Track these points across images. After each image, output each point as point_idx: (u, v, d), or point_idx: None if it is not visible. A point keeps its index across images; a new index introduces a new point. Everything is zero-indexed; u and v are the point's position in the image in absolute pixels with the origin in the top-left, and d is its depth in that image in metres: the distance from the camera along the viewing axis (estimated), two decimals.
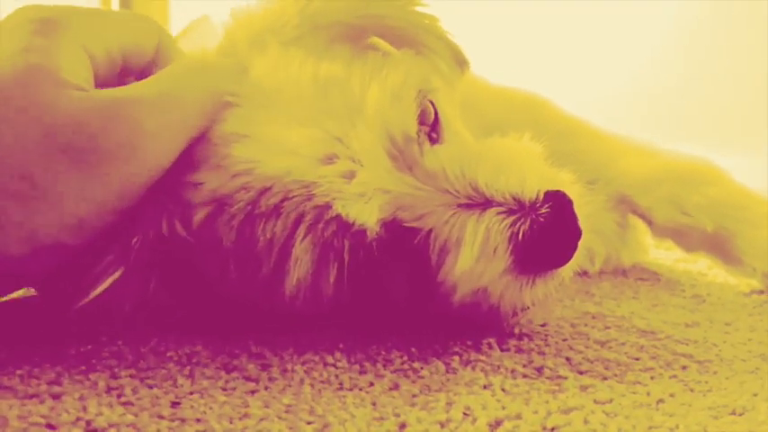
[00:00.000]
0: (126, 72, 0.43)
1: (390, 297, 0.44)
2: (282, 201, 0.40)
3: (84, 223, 0.38)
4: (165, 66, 0.44)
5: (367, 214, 0.40)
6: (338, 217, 0.40)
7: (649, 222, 0.69)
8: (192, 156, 0.41)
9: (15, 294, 0.46)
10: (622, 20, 1.54)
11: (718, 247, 0.66)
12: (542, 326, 0.50)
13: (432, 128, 0.46)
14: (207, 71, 0.43)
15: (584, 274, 0.67)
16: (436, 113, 0.46)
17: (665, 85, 1.49)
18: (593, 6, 1.56)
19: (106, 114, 0.37)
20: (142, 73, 0.44)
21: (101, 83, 0.41)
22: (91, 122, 0.37)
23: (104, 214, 0.38)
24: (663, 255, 0.77)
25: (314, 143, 0.41)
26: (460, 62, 0.53)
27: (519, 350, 0.45)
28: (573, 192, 0.44)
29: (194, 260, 0.42)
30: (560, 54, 1.56)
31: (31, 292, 0.46)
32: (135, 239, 0.41)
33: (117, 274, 0.41)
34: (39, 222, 0.36)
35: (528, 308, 0.45)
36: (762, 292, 0.64)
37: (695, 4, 1.49)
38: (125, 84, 0.42)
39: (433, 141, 0.46)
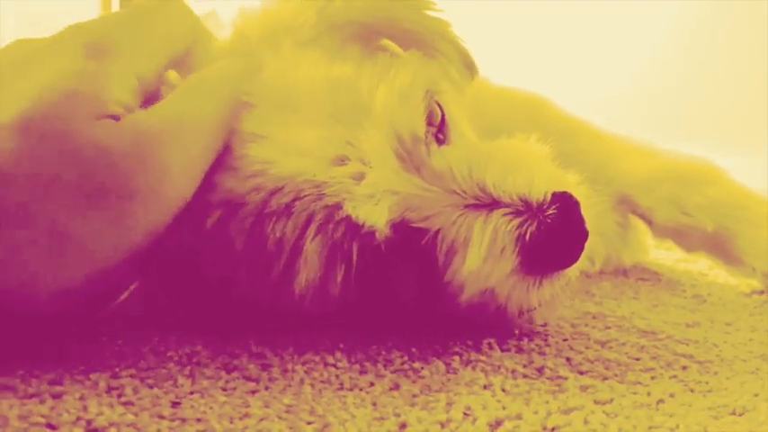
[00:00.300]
0: None
1: (398, 297, 0.44)
2: (293, 200, 0.40)
3: (110, 269, 0.37)
4: (198, 56, 0.44)
5: (376, 216, 0.41)
6: (348, 218, 0.40)
7: (650, 222, 0.69)
8: None
9: None
10: (622, 20, 1.54)
11: (719, 247, 0.66)
12: (543, 326, 0.50)
13: (439, 129, 0.46)
14: (222, 81, 0.42)
15: (585, 274, 0.67)
16: (443, 115, 0.46)
17: (664, 85, 1.49)
18: (593, 6, 1.56)
19: (131, 152, 0.37)
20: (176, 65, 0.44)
21: (148, 98, 0.40)
22: (118, 163, 0.36)
23: (130, 256, 0.38)
24: (663, 255, 0.77)
25: (325, 144, 0.41)
26: (470, 68, 0.53)
27: (519, 350, 0.45)
28: (579, 193, 0.44)
29: (203, 261, 0.42)
30: (560, 54, 1.56)
31: None
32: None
33: (132, 287, 0.40)
34: (66, 275, 0.36)
35: (534, 308, 0.45)
36: (762, 292, 0.64)
37: (695, 4, 1.49)
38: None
39: (440, 142, 0.46)
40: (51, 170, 0.35)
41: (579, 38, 1.56)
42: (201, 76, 0.42)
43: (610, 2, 1.55)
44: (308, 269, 0.41)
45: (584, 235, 0.43)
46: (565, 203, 0.42)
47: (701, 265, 0.73)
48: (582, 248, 0.43)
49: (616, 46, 1.54)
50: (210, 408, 0.35)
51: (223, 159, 0.41)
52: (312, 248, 0.40)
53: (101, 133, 0.36)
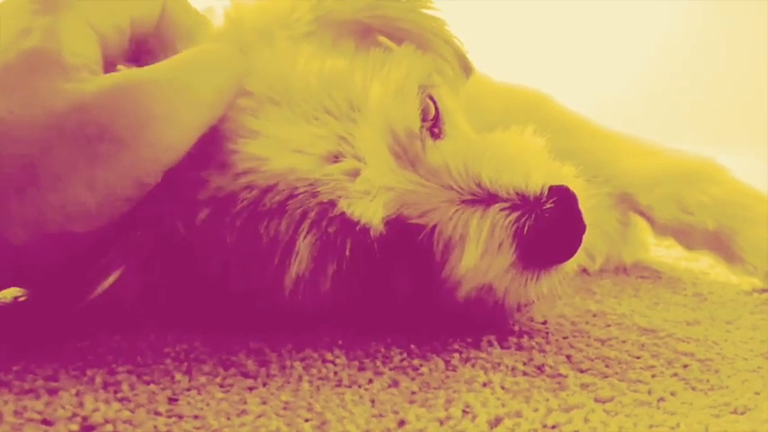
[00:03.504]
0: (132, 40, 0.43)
1: (394, 294, 0.44)
2: (287, 199, 0.40)
3: (91, 211, 0.36)
4: (170, 30, 0.44)
5: (372, 212, 0.40)
6: (342, 215, 0.40)
7: (651, 220, 0.69)
8: (197, 150, 0.40)
9: (13, 292, 0.46)
10: (622, 20, 1.54)
11: (720, 245, 0.65)
12: (543, 324, 0.50)
13: (433, 123, 0.45)
14: (221, 62, 0.41)
15: (585, 272, 0.67)
16: (437, 109, 0.46)
17: (665, 85, 1.49)
18: (594, 6, 1.56)
19: (113, 99, 0.36)
20: (145, 41, 0.43)
21: (110, 60, 0.40)
22: (97, 108, 0.36)
23: (114, 202, 0.37)
24: (664, 253, 0.76)
25: (319, 141, 0.41)
26: (465, 68, 0.53)
27: (519, 348, 0.45)
28: (576, 186, 0.44)
29: (196, 257, 0.42)
30: (560, 54, 1.56)
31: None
32: (138, 235, 0.40)
33: (117, 273, 0.40)
34: (42, 210, 0.35)
35: (532, 303, 0.45)
36: (763, 290, 0.64)
37: (696, 4, 1.49)
38: (136, 58, 0.41)
39: (436, 137, 0.45)
40: (19, 118, 0.35)
41: (579, 38, 1.56)
42: (202, 49, 0.42)
43: (610, 2, 1.55)
44: (299, 263, 0.40)
45: (581, 228, 0.42)
46: (562, 197, 0.42)
47: (702, 264, 0.73)
48: (580, 242, 0.43)
49: (616, 46, 1.54)
50: (207, 404, 0.35)
51: (213, 154, 0.41)
52: (304, 244, 0.40)
53: (71, 88, 0.36)
